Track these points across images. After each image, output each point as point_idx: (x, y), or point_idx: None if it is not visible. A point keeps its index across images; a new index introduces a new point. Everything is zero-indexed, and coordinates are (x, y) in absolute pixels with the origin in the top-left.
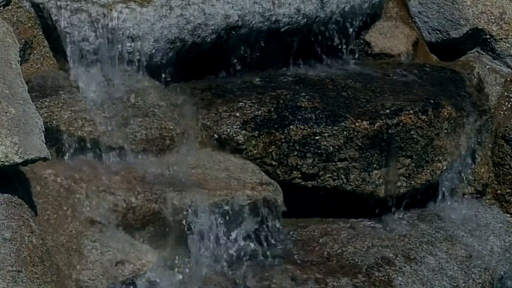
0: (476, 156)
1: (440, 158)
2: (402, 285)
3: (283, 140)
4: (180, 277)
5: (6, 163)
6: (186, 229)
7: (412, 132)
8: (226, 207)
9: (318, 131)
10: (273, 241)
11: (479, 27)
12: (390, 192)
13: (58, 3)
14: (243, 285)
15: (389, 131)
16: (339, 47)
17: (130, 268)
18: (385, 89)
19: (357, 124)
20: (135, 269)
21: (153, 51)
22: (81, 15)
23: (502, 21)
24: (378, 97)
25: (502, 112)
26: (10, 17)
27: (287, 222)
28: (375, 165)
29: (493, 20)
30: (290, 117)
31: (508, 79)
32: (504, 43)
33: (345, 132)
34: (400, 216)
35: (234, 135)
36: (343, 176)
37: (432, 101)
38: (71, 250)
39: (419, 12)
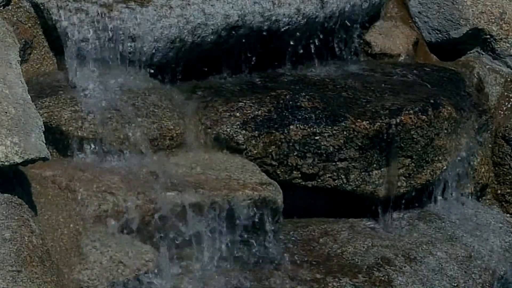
0: (476, 156)
1: (440, 158)
2: (402, 285)
3: (283, 140)
4: (180, 277)
5: (6, 163)
6: (185, 229)
7: (412, 132)
8: (226, 207)
9: (318, 131)
10: (273, 241)
11: (479, 27)
12: (390, 192)
13: (58, 3)
14: (243, 285)
15: (389, 131)
16: (339, 47)
17: (130, 268)
18: (385, 89)
19: (357, 124)
20: (135, 269)
21: (153, 51)
22: (81, 15)
23: (502, 21)
24: (378, 97)
25: (502, 112)
26: (10, 17)
27: (287, 222)
28: (375, 165)
29: (493, 20)
30: (290, 117)
31: (508, 79)
32: (504, 43)
33: (345, 132)
34: (400, 216)
35: (234, 135)
36: (343, 176)
37: (432, 101)
38: (71, 250)
39: (419, 12)
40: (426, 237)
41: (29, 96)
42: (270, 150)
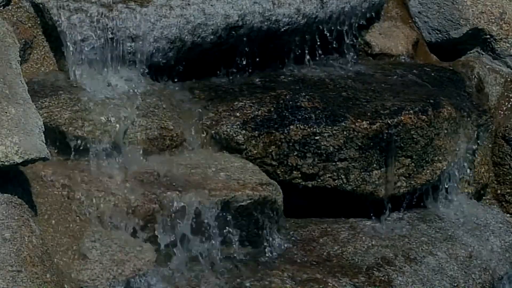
0: (476, 156)
1: (440, 158)
2: (402, 285)
3: (283, 140)
4: (180, 277)
5: (6, 163)
6: (186, 229)
7: (412, 132)
8: (226, 207)
9: (318, 131)
10: (273, 241)
11: (479, 27)
12: (390, 192)
13: (58, 3)
14: (243, 285)
15: (389, 131)
16: (339, 47)
17: (130, 268)
18: (385, 89)
19: (357, 124)
20: (135, 269)
21: (153, 51)
22: (81, 15)
23: (502, 21)
24: (378, 97)
25: (502, 112)
26: (10, 17)
27: (287, 222)
28: (375, 165)
29: (493, 20)
30: (290, 117)
31: (508, 79)
32: (504, 43)
33: (345, 132)
34: (400, 216)
35: (234, 135)
36: (343, 176)
37: (432, 101)
38: (71, 250)
39: (419, 12)
40: (426, 237)
41: (29, 96)
42: (270, 150)
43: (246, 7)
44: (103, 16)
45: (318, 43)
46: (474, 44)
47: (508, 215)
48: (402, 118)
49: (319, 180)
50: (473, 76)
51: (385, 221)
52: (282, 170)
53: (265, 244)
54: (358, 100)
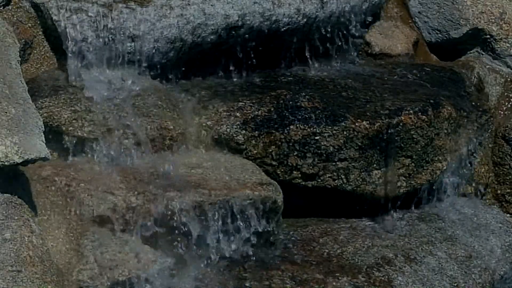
0: (476, 156)
1: (440, 158)
2: (402, 285)
3: (283, 140)
4: (180, 277)
5: (6, 163)
6: (186, 229)
7: (412, 132)
8: (226, 207)
9: (318, 131)
10: (273, 241)
11: (479, 27)
12: (390, 192)
13: (58, 3)
14: (243, 285)
15: (389, 131)
16: (339, 47)
17: (130, 268)
18: (385, 89)
19: (357, 124)
20: (135, 269)
21: (153, 51)
22: (81, 15)
23: (502, 21)
24: (378, 97)
25: (502, 112)
26: (10, 17)
27: (287, 222)
28: (375, 165)
29: (493, 20)
30: (290, 117)
31: (508, 79)
32: (504, 43)
33: (345, 132)
34: (400, 216)
35: (234, 135)
36: (343, 176)
37: (432, 101)
38: (71, 250)
39: (419, 12)
40: (426, 237)
41: (29, 96)
42: (270, 150)
43: (246, 7)
44: (103, 16)
45: (318, 43)
46: (474, 44)
47: (508, 215)
48: (402, 118)
49: (319, 180)
50: (473, 76)
51: (385, 221)
52: (282, 170)
53: (265, 244)
54: (358, 100)
